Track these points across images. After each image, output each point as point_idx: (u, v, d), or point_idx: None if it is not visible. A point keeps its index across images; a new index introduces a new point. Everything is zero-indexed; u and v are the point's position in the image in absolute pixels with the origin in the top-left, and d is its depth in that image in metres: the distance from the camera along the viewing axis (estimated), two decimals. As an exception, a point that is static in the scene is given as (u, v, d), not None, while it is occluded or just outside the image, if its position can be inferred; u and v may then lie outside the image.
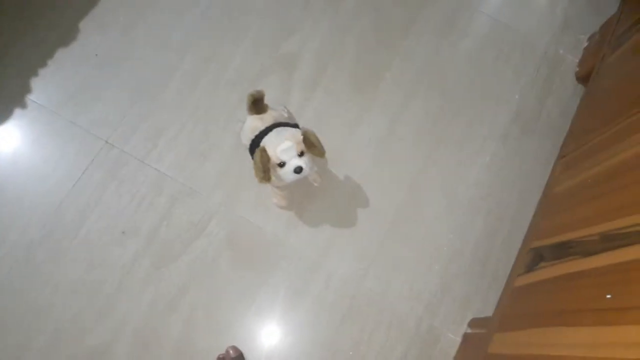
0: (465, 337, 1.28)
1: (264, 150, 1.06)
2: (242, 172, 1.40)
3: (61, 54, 1.47)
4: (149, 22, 1.52)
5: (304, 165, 1.08)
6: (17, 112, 1.40)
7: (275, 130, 1.11)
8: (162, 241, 1.34)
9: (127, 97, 1.44)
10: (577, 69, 1.58)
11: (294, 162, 1.07)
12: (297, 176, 1.09)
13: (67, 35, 1.48)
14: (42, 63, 1.45)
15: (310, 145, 1.10)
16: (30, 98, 1.42)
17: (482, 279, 1.37)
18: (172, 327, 1.27)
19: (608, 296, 0.76)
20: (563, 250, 0.99)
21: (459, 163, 1.48)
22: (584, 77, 1.53)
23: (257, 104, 1.17)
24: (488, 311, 1.29)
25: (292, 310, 1.31)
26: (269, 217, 1.37)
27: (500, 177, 1.48)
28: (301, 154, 1.08)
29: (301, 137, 1.07)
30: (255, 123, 1.18)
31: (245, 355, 1.25)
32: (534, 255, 1.11)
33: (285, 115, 1.24)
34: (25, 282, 1.28)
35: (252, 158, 1.16)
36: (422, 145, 1.48)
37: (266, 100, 1.45)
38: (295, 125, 1.18)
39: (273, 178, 1.12)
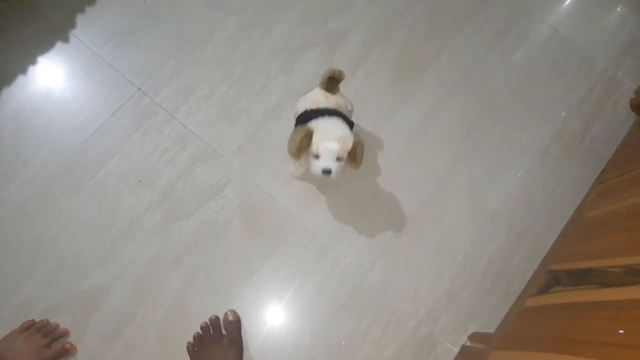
0: (463, 350, 1.23)
1: (310, 134, 1.03)
2: (267, 143, 1.38)
3: (110, -5, 1.46)
4: (201, -23, 1.50)
5: (334, 171, 1.04)
6: (59, 45, 1.41)
7: (332, 121, 1.07)
8: (177, 197, 1.33)
9: (167, 48, 1.43)
10: (633, 96, 1.49)
11: (328, 164, 1.03)
12: (322, 175, 1.05)
13: (119, -23, 1.48)
14: (91, 1, 1.45)
15: (352, 157, 1.06)
16: (73, 33, 1.42)
17: (492, 294, 1.31)
18: (171, 283, 1.27)
19: (620, 331, 0.71)
20: (582, 278, 0.93)
21: (491, 172, 1.42)
22: (638, 106, 1.44)
23: (331, 82, 1.14)
24: (491, 327, 1.24)
25: (292, 288, 1.29)
26: (286, 192, 1.35)
27: (530, 194, 1.41)
28: (338, 159, 1.04)
29: (350, 147, 1.03)
30: (319, 97, 1.15)
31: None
32: (550, 278, 1.06)
33: (349, 108, 1.21)
34: (38, 212, 1.29)
35: (295, 126, 1.13)
36: (455, 146, 1.43)
37: (306, 77, 1.43)
38: (351, 124, 1.14)
39: (302, 158, 1.09)
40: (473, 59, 1.51)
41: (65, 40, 1.41)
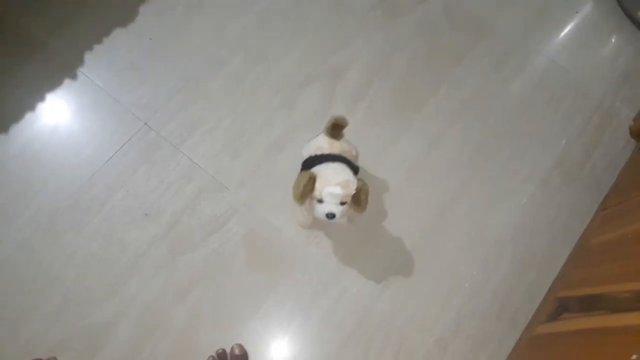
0: (473, 380, 1.22)
1: (312, 179, 1.03)
2: (270, 175, 1.39)
3: (117, 34, 1.50)
4: (206, 14, 1.54)
5: (337, 215, 1.04)
6: (67, 82, 1.44)
7: (335, 166, 1.08)
8: (182, 230, 1.33)
9: (173, 83, 1.46)
10: (632, 124, 1.52)
11: (332, 208, 1.03)
12: (326, 219, 1.05)
13: (126, 16, 1.52)
14: (98, 40, 1.49)
15: (356, 201, 1.06)
16: (82, 71, 1.45)
17: (500, 322, 1.31)
18: (177, 317, 1.26)
19: (634, 357, 0.70)
20: (591, 304, 0.93)
21: (493, 200, 1.43)
22: (637, 133, 1.47)
23: (335, 129, 1.15)
24: (501, 356, 1.23)
25: (299, 319, 1.28)
26: (291, 223, 1.35)
27: (533, 221, 1.42)
28: (342, 203, 1.04)
29: (354, 191, 1.03)
30: (323, 143, 1.16)
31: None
32: (559, 305, 1.06)
33: (354, 153, 1.22)
34: (44, 247, 1.29)
35: (300, 171, 1.15)
36: (456, 174, 1.44)
37: (308, 110, 1.46)
38: (356, 169, 1.15)
39: (306, 203, 1.10)
40: (471, 90, 1.54)
41: (73, 77, 1.44)
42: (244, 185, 1.38)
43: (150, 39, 1.50)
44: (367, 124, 1.47)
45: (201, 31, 1.53)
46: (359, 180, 1.05)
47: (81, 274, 1.28)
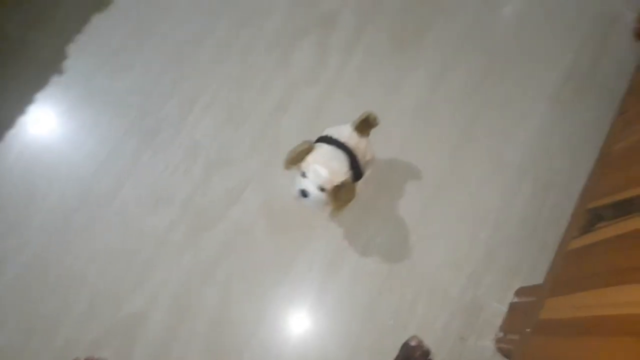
0: (512, 306, 1.21)
1: (309, 149, 1.00)
2: (277, 139, 1.36)
3: (97, 20, 1.45)
4: (181, -14, 1.49)
5: (311, 196, 1.00)
6: (54, 78, 1.40)
7: (337, 152, 1.04)
8: (198, 209, 1.31)
9: (161, 63, 1.42)
10: (636, 25, 1.46)
11: (308, 186, 1.00)
12: (298, 195, 1.02)
13: (102, 0, 1.46)
14: (78, 29, 1.44)
15: (335, 196, 1.02)
16: (67, 64, 1.41)
17: (530, 246, 1.29)
18: (207, 296, 1.25)
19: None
20: (625, 208, 0.91)
21: (506, 125, 1.39)
22: (643, 33, 1.42)
23: (363, 125, 1.10)
24: (536, 279, 1.21)
25: (329, 278, 1.27)
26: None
27: (550, 140, 1.39)
28: (322, 190, 1.00)
29: (338, 182, 0.99)
30: (344, 131, 1.10)
31: (283, 325, 1.22)
32: (591, 217, 1.03)
33: (367, 158, 1.15)
34: (62, 249, 1.27)
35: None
36: (466, 106, 1.40)
37: (305, 66, 1.42)
38: (359, 173, 1.11)
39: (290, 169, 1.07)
40: (469, 17, 1.49)
41: (59, 72, 1.40)
42: (253, 154, 1.35)
43: (130, 21, 1.45)
44: (369, 69, 1.43)
45: (181, 3, 1.47)
46: (348, 181, 1.01)
47: (105, 270, 1.27)
